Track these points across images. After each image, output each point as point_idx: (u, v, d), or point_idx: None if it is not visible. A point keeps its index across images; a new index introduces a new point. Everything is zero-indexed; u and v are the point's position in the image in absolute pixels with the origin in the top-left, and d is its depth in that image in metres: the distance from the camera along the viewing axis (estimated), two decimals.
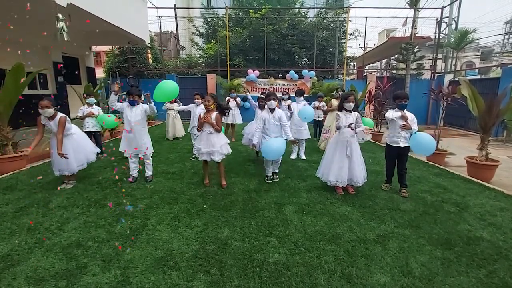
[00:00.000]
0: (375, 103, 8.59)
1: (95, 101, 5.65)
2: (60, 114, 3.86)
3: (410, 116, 3.88)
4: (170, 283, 2.14)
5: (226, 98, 8.47)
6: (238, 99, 8.08)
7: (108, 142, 7.53)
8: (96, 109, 5.63)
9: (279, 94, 5.72)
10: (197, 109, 5.62)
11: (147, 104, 4.16)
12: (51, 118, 3.81)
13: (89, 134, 5.59)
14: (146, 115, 4.34)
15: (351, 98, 3.83)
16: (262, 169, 4.80)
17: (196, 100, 5.68)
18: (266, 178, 4.50)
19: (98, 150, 4.52)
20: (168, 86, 3.75)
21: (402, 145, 3.88)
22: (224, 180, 4.27)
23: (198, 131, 4.08)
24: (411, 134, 3.82)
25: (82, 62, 10.95)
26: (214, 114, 3.98)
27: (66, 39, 4.94)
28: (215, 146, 4.00)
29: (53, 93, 8.68)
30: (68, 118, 3.98)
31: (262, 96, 4.63)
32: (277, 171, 4.62)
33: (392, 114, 3.90)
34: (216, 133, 4.02)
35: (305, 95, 5.91)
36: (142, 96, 4.25)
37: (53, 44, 5.35)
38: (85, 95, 5.72)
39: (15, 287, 2.09)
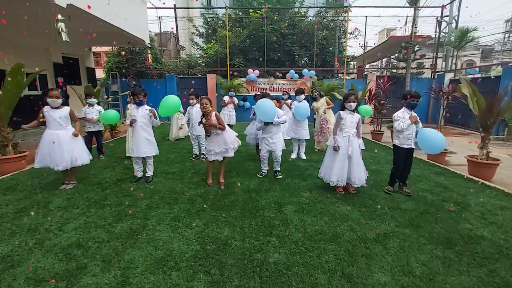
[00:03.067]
0: (376, 102, 8.58)
1: (96, 101, 5.62)
2: (66, 107, 3.99)
3: (412, 113, 3.87)
4: (170, 283, 2.13)
5: (224, 98, 8.46)
6: (235, 99, 8.08)
7: (108, 142, 7.53)
8: (96, 109, 5.59)
9: (277, 94, 5.72)
10: (193, 110, 5.61)
11: (152, 117, 4.20)
12: (57, 109, 3.89)
13: (91, 134, 5.60)
14: (152, 121, 4.31)
15: (352, 98, 3.77)
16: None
17: (190, 101, 5.65)
18: (259, 172, 4.74)
19: (91, 157, 4.27)
20: (171, 101, 3.90)
21: (413, 146, 3.82)
22: (223, 178, 4.34)
23: (208, 135, 4.10)
24: (417, 131, 3.72)
25: (82, 62, 10.97)
26: (213, 114, 4.05)
27: (64, 40, 4.93)
28: (227, 143, 4.10)
29: None
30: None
31: (259, 93, 4.74)
32: (279, 168, 4.71)
33: (403, 116, 3.80)
34: (224, 131, 4.09)
35: (305, 94, 5.85)
36: (149, 111, 4.20)
37: (55, 43, 5.35)
38: (87, 96, 5.65)
39: None
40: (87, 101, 5.55)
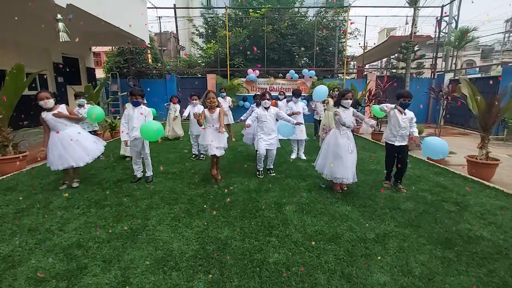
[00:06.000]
0: (375, 102, 8.58)
1: (85, 101, 5.48)
2: (60, 106, 3.92)
3: (409, 114, 3.95)
4: (170, 283, 2.14)
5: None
6: (229, 98, 8.01)
7: (108, 143, 7.52)
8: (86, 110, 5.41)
9: (275, 94, 5.70)
10: (194, 110, 5.61)
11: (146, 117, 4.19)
12: (52, 110, 3.81)
13: None
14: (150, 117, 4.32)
15: (349, 95, 3.87)
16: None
17: (193, 101, 5.65)
18: (257, 173, 4.76)
19: (89, 160, 4.11)
20: (151, 127, 3.78)
21: (397, 144, 3.96)
22: (219, 175, 4.44)
23: (200, 125, 4.15)
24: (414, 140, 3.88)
25: (82, 62, 10.96)
26: (217, 110, 4.17)
27: (62, 39, 4.94)
28: (221, 142, 4.20)
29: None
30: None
31: (259, 93, 4.80)
32: (272, 166, 4.84)
33: (390, 106, 4.01)
34: (219, 131, 4.16)
35: (304, 94, 5.82)
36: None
37: (55, 42, 5.31)
38: (77, 96, 5.39)
39: None
40: (76, 102, 5.36)
